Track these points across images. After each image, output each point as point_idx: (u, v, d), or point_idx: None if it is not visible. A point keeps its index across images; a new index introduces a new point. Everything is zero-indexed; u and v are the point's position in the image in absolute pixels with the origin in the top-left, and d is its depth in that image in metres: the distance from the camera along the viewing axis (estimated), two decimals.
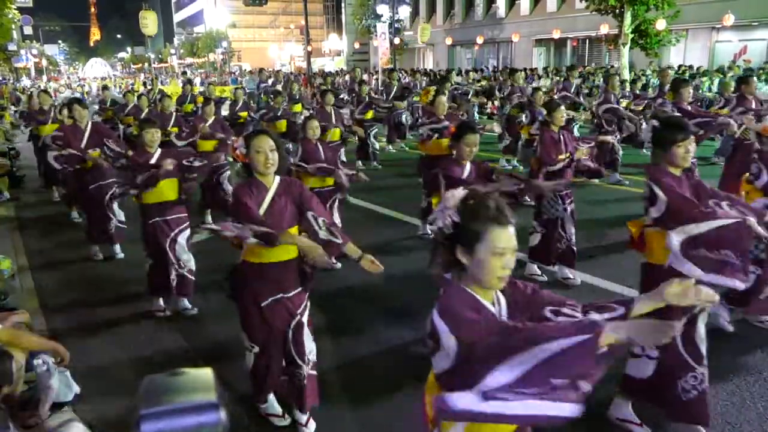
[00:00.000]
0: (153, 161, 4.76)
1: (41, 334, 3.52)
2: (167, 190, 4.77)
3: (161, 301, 4.95)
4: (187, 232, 4.90)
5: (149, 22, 15.51)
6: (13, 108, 13.36)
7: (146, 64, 74.65)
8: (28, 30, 42.98)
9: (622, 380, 3.16)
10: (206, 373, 0.92)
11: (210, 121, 7.71)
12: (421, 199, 6.66)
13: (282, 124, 9.83)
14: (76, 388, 2.82)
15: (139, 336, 4.56)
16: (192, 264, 4.91)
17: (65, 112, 8.55)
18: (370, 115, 11.19)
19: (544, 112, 5.48)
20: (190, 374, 0.91)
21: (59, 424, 2.60)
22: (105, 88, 16.65)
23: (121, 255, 6.50)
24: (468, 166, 4.16)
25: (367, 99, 12.05)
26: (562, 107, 5.29)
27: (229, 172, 7.55)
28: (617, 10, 17.27)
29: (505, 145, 10.58)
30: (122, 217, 6.52)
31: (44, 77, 49.70)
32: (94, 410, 3.32)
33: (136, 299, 5.21)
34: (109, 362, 4.14)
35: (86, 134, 6.36)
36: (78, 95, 33.97)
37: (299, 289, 3.16)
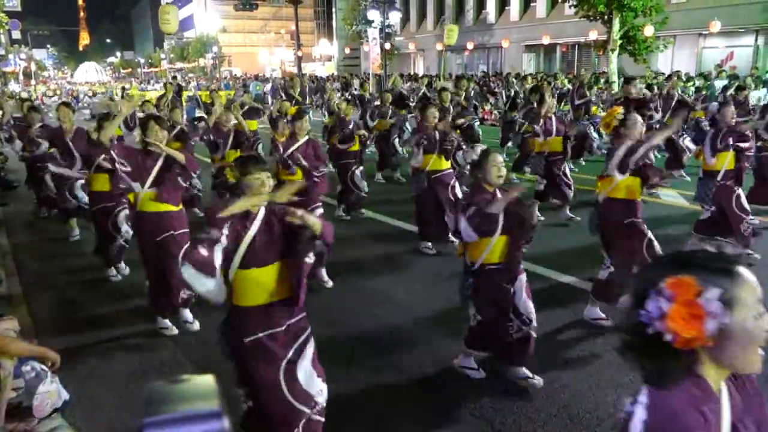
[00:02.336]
0: (256, 225, 2.80)
1: (29, 341, 3.48)
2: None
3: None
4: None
5: (171, 17, 12.77)
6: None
7: (142, 69, 74.51)
8: (16, 34, 42.57)
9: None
10: (207, 381, 0.87)
11: (300, 141, 5.37)
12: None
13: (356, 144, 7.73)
14: (65, 395, 2.80)
15: (128, 342, 4.52)
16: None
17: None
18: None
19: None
20: (191, 382, 0.87)
21: (48, 431, 2.58)
22: (111, 100, 14.51)
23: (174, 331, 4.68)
24: None
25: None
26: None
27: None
28: (606, 17, 17.42)
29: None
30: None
31: (11, 84, 45.47)
32: (83, 417, 3.29)
33: (126, 305, 5.17)
34: (98, 369, 4.10)
35: (158, 164, 4.41)
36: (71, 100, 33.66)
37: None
